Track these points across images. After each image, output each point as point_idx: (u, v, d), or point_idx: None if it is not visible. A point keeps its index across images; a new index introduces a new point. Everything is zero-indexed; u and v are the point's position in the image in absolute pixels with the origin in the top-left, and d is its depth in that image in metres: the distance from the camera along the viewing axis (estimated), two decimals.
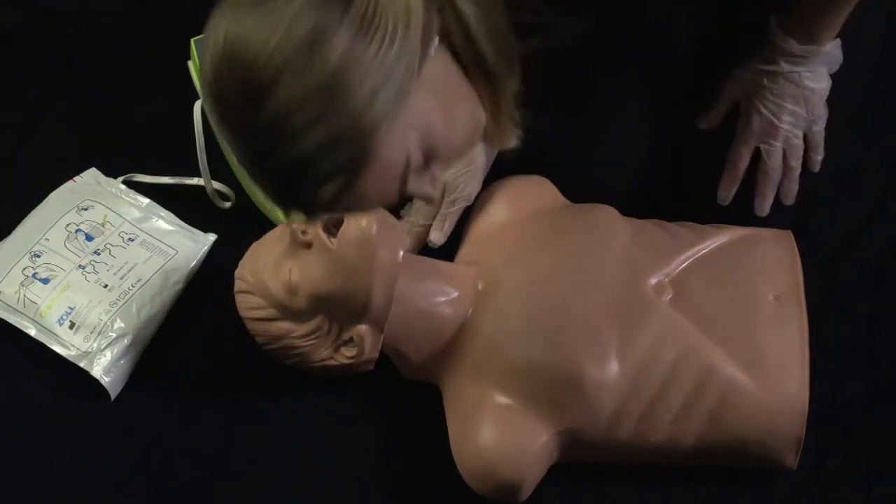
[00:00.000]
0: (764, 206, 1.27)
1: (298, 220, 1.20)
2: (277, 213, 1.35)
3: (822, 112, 1.25)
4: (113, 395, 1.28)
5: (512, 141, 1.06)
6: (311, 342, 1.21)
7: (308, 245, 1.18)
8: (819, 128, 1.25)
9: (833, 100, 1.26)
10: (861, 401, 1.27)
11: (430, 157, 0.96)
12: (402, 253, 1.17)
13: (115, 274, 1.32)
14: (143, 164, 1.46)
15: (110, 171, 1.45)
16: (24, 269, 1.32)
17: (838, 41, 1.21)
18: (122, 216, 1.38)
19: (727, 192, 1.28)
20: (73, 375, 1.28)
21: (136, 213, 1.39)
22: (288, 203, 0.98)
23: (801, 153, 1.26)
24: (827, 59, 1.22)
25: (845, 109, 1.30)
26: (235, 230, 1.35)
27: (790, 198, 1.28)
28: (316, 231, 1.17)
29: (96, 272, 1.32)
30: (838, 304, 1.33)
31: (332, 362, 1.22)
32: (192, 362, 1.32)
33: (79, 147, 1.50)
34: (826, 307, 1.31)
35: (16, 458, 1.26)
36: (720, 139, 1.29)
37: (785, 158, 1.26)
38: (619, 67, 1.33)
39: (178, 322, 1.34)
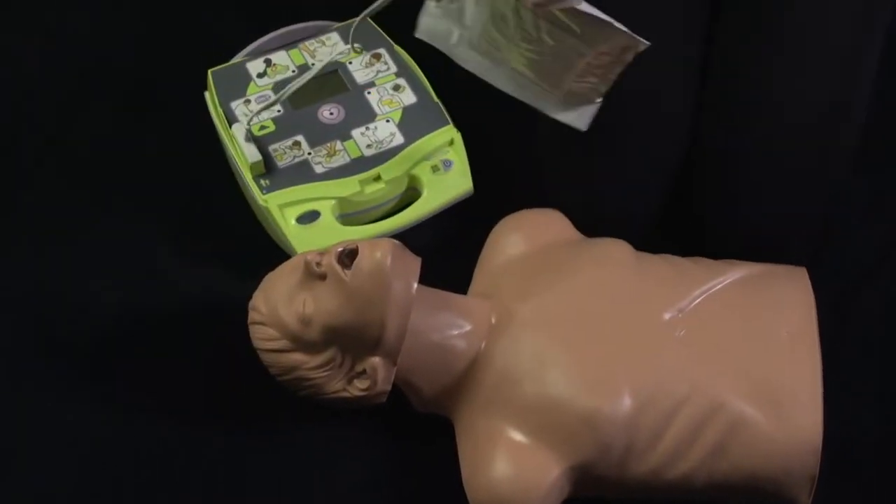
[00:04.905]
0: None
1: (313, 252, 1.20)
2: (292, 245, 1.36)
3: None
4: None
5: None
6: (325, 374, 1.21)
7: (322, 277, 1.18)
8: None
9: (842, 120, 1.25)
10: (875, 437, 1.27)
11: None
12: (416, 286, 1.17)
13: None
14: (160, 194, 1.47)
15: (122, 203, 1.46)
16: None
17: None
18: None
19: None
20: (79, 398, 1.28)
21: None
22: None
23: None
24: None
25: (854, 129, 1.29)
26: (249, 260, 1.36)
27: None
28: (330, 263, 1.17)
29: None
30: (852, 339, 1.33)
31: (345, 394, 1.21)
32: (204, 391, 1.32)
33: (94, 176, 1.51)
34: (840, 343, 1.31)
35: (19, 484, 1.25)
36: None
37: None
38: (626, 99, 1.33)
39: (191, 351, 1.34)
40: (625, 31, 1.16)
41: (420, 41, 1.42)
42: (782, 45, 1.27)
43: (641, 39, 1.16)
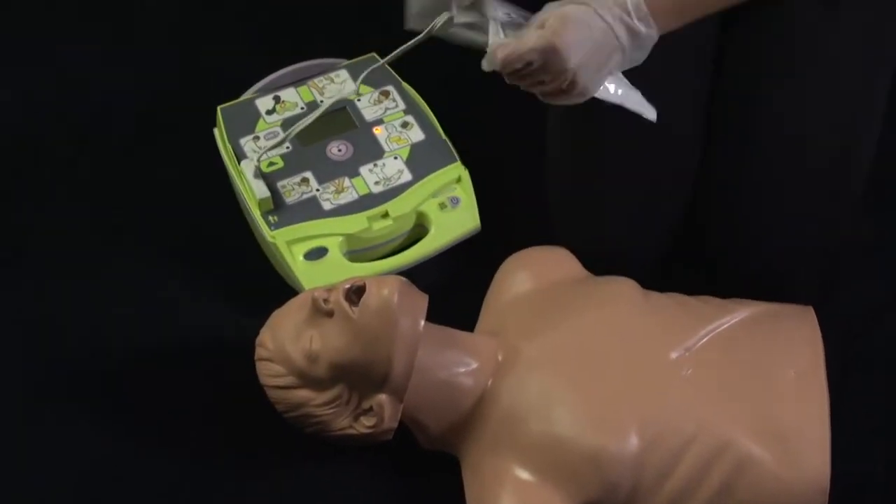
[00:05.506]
0: None
1: (320, 288, 1.20)
2: (299, 281, 1.36)
3: None
4: None
5: None
6: (331, 411, 1.21)
7: (329, 313, 1.18)
8: None
9: (849, 167, 1.25)
10: (882, 477, 1.26)
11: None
12: (422, 323, 1.17)
13: None
14: (168, 229, 1.47)
15: (130, 237, 1.47)
16: None
17: None
18: None
19: None
20: (82, 431, 1.28)
21: None
22: None
23: None
24: None
25: (863, 166, 1.29)
26: (257, 297, 1.36)
27: None
28: (337, 299, 1.17)
29: None
30: (859, 379, 1.33)
31: (352, 431, 1.21)
32: (210, 426, 1.32)
33: (102, 211, 1.51)
34: (847, 382, 1.31)
35: None
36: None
37: None
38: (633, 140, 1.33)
39: (197, 387, 1.34)
40: (635, 111, 1.17)
41: (423, 80, 1.44)
42: (789, 80, 1.27)
43: (650, 115, 1.17)
